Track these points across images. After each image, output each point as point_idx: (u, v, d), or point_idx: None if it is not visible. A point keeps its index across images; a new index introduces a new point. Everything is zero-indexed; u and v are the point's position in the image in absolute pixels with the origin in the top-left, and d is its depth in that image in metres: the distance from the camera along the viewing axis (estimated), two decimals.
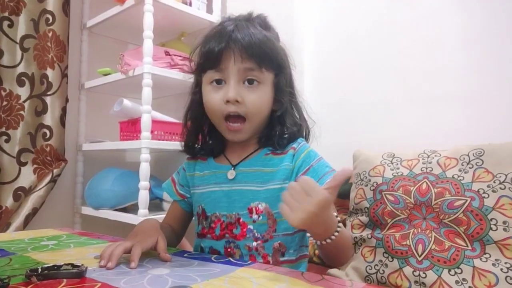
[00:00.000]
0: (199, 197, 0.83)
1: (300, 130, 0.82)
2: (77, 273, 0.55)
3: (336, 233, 0.64)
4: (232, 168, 0.80)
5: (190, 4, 1.58)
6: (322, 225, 0.62)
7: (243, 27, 0.74)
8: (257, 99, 0.74)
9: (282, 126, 0.79)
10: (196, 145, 0.86)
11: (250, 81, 0.74)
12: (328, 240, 0.64)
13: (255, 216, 0.75)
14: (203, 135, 0.86)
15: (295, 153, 0.78)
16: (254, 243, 0.75)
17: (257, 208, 0.75)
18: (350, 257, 0.77)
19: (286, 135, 0.80)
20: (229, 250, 0.76)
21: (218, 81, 0.75)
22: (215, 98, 0.75)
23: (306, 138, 0.84)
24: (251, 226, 0.75)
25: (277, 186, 0.76)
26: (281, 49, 0.80)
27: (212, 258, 0.67)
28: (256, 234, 0.75)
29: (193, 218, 0.88)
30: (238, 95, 0.73)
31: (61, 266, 0.56)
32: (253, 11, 0.81)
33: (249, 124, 0.76)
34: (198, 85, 0.81)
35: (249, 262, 0.65)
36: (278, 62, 0.77)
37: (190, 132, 0.85)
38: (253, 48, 0.72)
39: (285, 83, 0.78)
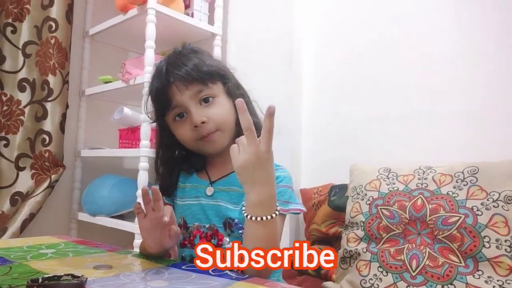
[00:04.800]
0: (180, 208, 0.86)
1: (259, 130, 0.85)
2: (77, 284, 0.55)
3: (273, 215, 0.66)
4: (210, 185, 0.83)
5: (192, 15, 1.60)
6: (258, 184, 0.65)
7: (174, 61, 0.79)
8: (219, 111, 0.79)
9: None
10: (173, 185, 0.87)
11: (206, 100, 0.78)
12: (259, 219, 0.65)
13: (229, 230, 0.79)
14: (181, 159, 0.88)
15: None
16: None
17: (230, 224, 0.79)
18: (268, 271, 0.69)
19: None
20: None
21: (180, 115, 0.79)
22: (185, 130, 0.78)
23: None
24: (227, 238, 0.79)
25: None
26: (217, 60, 0.85)
27: (210, 271, 0.68)
28: (231, 244, 0.78)
29: None
30: (202, 116, 0.77)
31: (61, 276, 0.57)
32: (178, 45, 0.85)
33: (220, 132, 0.79)
34: (165, 129, 0.84)
35: (247, 276, 0.66)
36: (219, 73, 0.81)
37: (164, 176, 0.87)
38: (190, 74, 0.76)
39: (234, 87, 0.83)
